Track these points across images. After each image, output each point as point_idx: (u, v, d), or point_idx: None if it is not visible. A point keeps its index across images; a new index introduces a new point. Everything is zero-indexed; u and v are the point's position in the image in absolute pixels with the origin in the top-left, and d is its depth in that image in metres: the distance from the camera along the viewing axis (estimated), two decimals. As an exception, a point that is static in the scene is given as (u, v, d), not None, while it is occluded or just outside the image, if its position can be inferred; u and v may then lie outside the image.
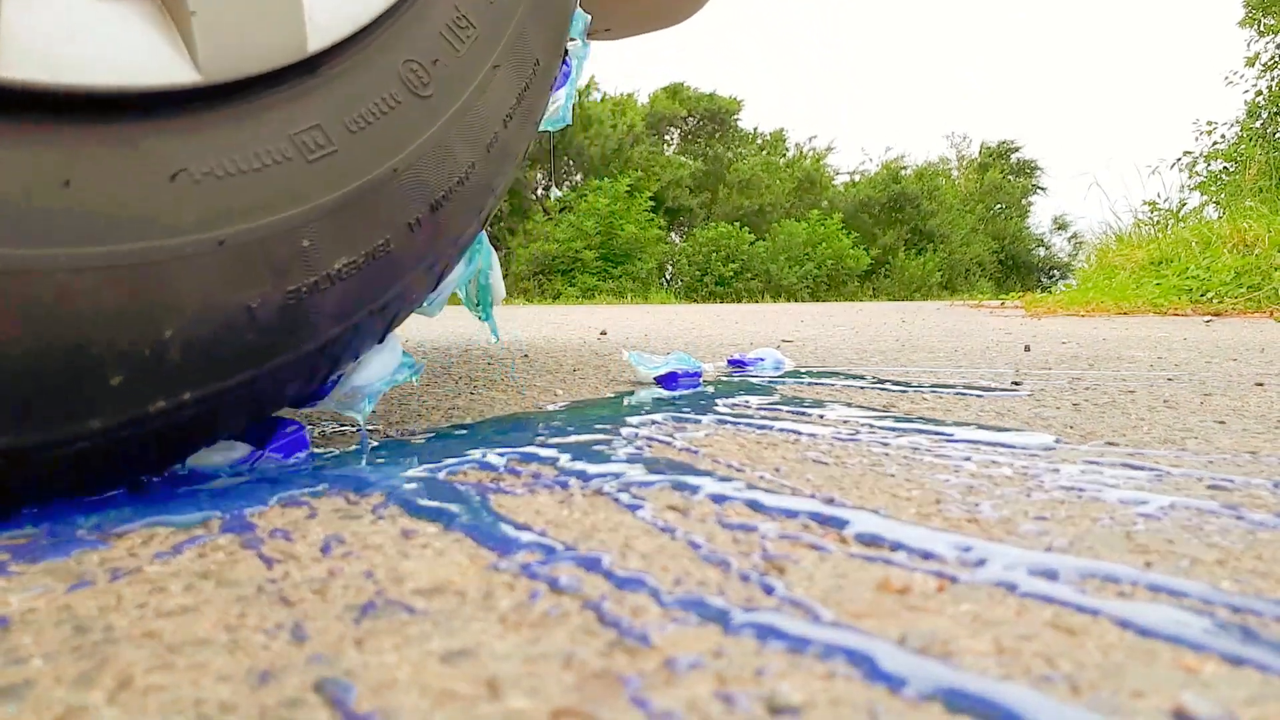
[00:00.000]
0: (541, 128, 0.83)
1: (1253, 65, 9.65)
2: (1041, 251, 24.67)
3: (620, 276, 14.28)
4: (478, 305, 0.81)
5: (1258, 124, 9.20)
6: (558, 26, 0.80)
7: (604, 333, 2.78)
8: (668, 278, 16.22)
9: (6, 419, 0.44)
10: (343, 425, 0.82)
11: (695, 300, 14.53)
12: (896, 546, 0.43)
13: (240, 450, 0.61)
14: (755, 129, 21.74)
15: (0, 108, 0.43)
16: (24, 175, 0.43)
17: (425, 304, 0.73)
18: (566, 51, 0.87)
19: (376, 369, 0.69)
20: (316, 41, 0.56)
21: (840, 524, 0.47)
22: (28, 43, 0.43)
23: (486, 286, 0.80)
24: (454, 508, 0.50)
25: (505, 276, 14.38)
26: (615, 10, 1.38)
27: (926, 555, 0.42)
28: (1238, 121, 9.41)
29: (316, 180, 0.55)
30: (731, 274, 15.47)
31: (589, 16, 0.94)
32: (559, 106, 0.87)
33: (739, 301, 14.25)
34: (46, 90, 0.44)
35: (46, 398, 0.45)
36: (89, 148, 0.46)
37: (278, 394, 0.59)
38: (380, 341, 0.68)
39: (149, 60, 0.48)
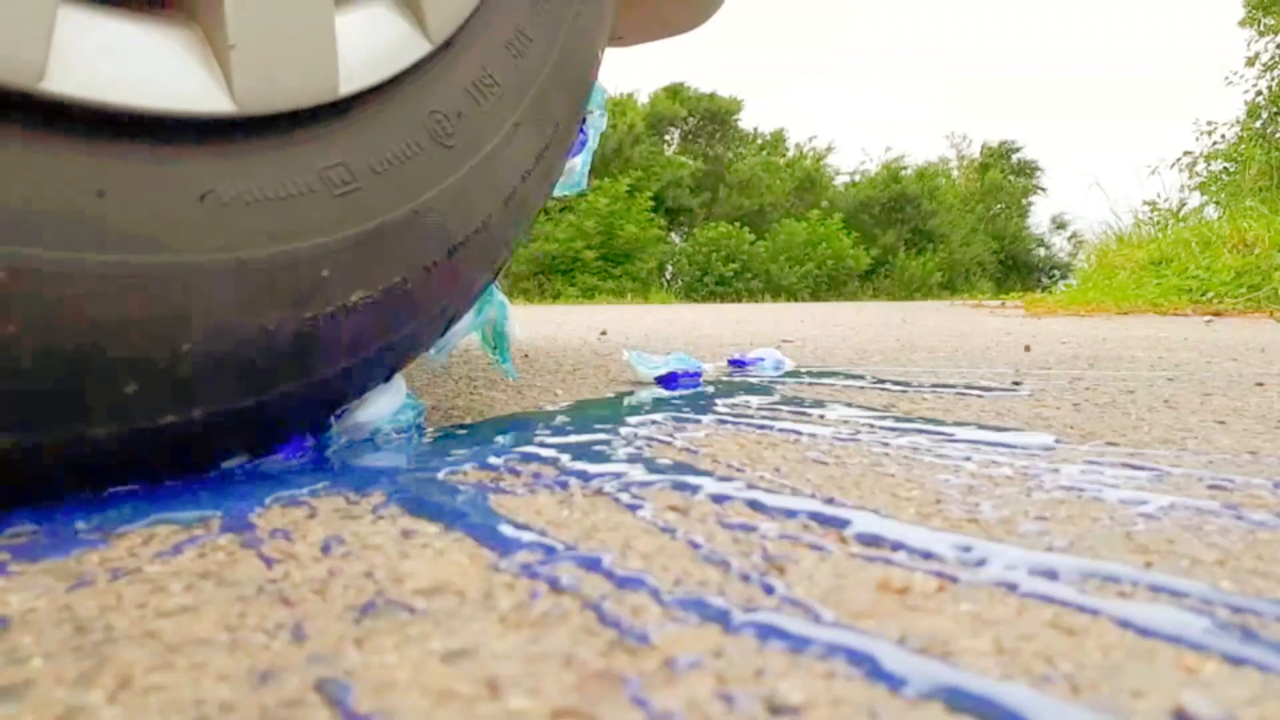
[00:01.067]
0: (557, 191, 0.87)
1: (1253, 65, 9.65)
2: (1042, 251, 24.66)
3: (620, 276, 14.29)
4: (494, 350, 0.85)
5: (1258, 124, 9.20)
6: (578, 94, 0.84)
7: (604, 333, 2.78)
8: (668, 278, 16.23)
9: (18, 416, 0.46)
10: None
11: (695, 300, 14.53)
12: (897, 546, 0.43)
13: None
14: (755, 129, 21.74)
15: (45, 118, 0.45)
16: (61, 182, 0.45)
17: (433, 350, 0.76)
18: (584, 119, 0.90)
19: (380, 407, 0.72)
20: (347, 86, 0.58)
21: (840, 524, 0.47)
22: (73, 60, 0.45)
23: (503, 334, 0.84)
24: (454, 508, 0.50)
25: (505, 276, 14.40)
26: (626, 18, 1.40)
27: (927, 555, 0.42)
28: (1238, 121, 9.41)
29: (340, 214, 0.58)
30: (732, 274, 15.47)
31: (607, 91, 0.97)
32: (575, 172, 0.92)
33: (739, 301, 14.26)
34: (87, 105, 0.46)
35: (62, 399, 0.47)
36: (124, 163, 0.48)
37: (283, 421, 0.62)
38: (387, 380, 0.70)
39: (188, 87, 0.50)
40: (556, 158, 0.81)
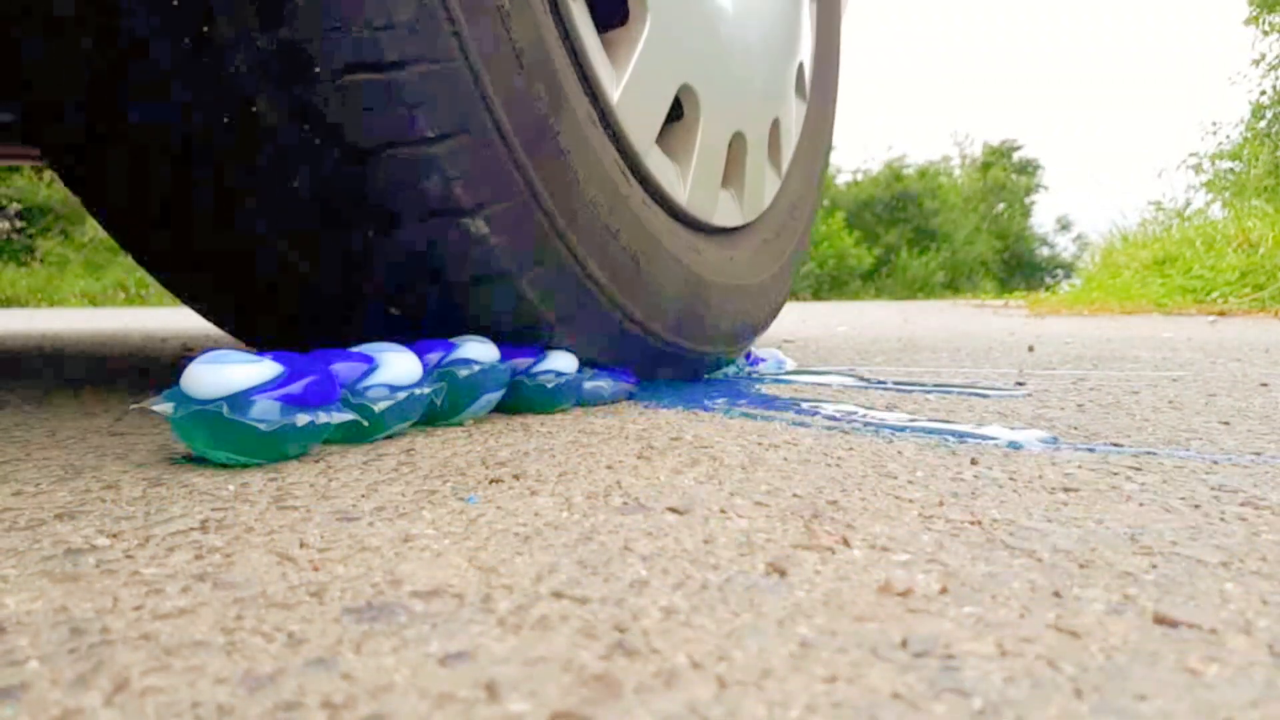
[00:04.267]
0: None
1: (1257, 65, 9.62)
2: (1045, 251, 24.63)
3: (623, 276, 14.29)
4: None
5: (1262, 124, 9.17)
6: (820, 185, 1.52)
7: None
8: (670, 277, 16.24)
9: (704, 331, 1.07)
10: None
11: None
12: (899, 548, 0.43)
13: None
14: (758, 128, 21.70)
15: (714, 232, 1.13)
16: (694, 249, 1.03)
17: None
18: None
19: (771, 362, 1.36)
20: (766, 204, 1.27)
21: (842, 525, 0.46)
22: (719, 208, 1.12)
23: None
24: (450, 509, 0.50)
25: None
26: None
27: (930, 557, 0.41)
28: (1242, 121, 9.38)
29: (746, 271, 1.18)
30: (734, 273, 15.48)
31: None
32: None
33: (742, 301, 14.24)
34: (717, 226, 1.12)
35: (712, 330, 1.09)
36: (708, 241, 1.10)
37: (705, 369, 1.17)
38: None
39: (733, 214, 1.16)
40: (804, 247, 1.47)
